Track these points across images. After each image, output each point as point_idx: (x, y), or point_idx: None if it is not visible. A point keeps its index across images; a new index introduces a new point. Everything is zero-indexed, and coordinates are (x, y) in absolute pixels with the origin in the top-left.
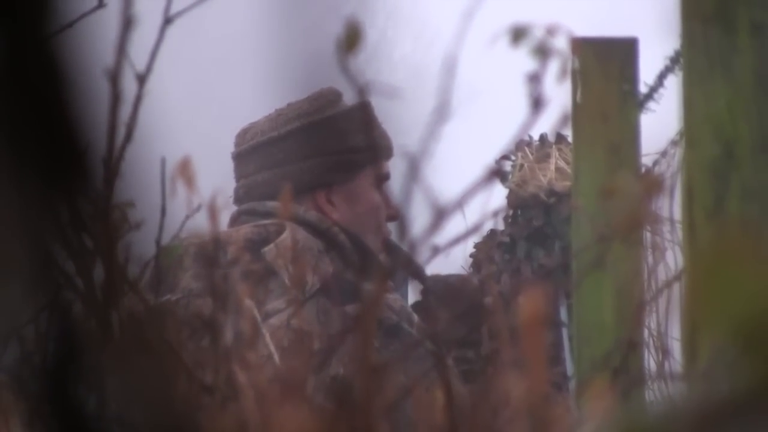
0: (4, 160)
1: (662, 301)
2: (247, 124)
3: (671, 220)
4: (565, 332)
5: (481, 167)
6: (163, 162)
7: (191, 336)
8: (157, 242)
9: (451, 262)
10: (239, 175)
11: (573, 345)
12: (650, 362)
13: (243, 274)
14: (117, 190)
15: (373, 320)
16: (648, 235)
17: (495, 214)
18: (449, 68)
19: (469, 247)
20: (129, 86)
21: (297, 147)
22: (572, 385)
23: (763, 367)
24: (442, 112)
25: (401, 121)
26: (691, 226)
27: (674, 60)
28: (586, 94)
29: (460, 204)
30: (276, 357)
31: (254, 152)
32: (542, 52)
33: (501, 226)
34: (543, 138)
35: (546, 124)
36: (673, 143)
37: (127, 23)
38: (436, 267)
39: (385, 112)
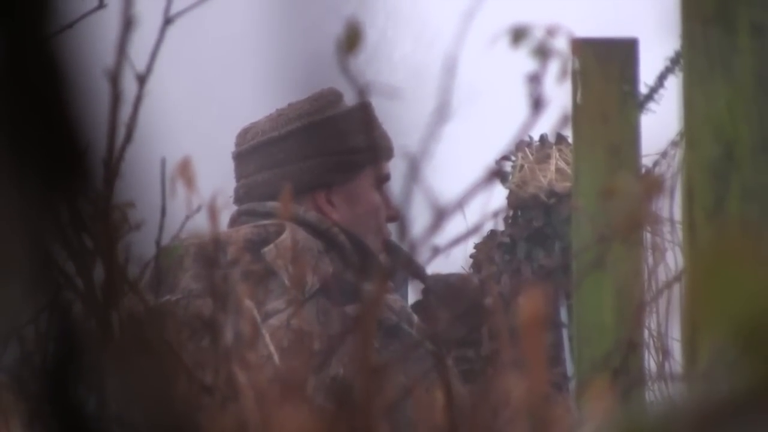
0: (4, 160)
1: (662, 302)
2: (247, 124)
3: (671, 221)
4: (565, 333)
5: (481, 168)
6: (163, 162)
7: (191, 336)
8: (157, 243)
9: (452, 262)
10: (239, 175)
11: (573, 345)
12: (650, 363)
13: (243, 274)
14: (117, 190)
15: (373, 321)
16: (648, 236)
17: (495, 214)
18: (449, 69)
19: (469, 247)
20: (129, 86)
21: (297, 147)
22: (572, 385)
23: (763, 367)
24: (442, 113)
25: (401, 122)
26: (691, 226)
27: (674, 61)
28: (587, 94)
29: (460, 204)
30: (276, 357)
31: (254, 152)
32: (542, 52)
33: (501, 227)
34: (543, 139)
35: (546, 125)
36: (674, 144)
37: (128, 24)
38: (436, 267)
39: (385, 112)
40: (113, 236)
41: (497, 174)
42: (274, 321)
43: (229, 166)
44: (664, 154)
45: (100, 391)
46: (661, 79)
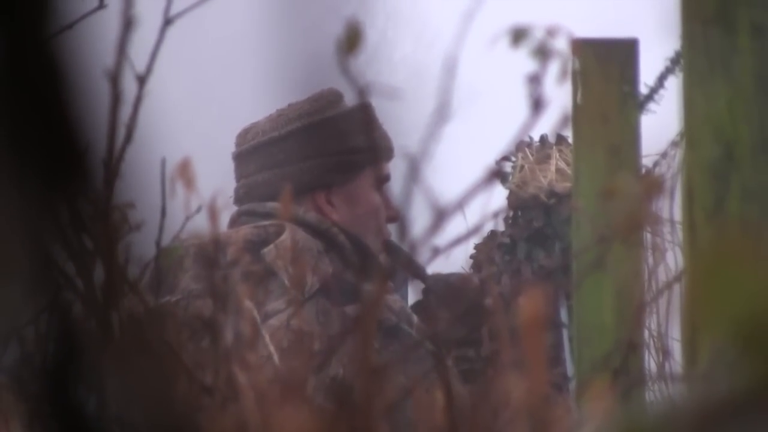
0: (5, 161)
1: (662, 302)
2: (247, 125)
3: (671, 221)
4: (565, 333)
5: (481, 168)
6: (163, 163)
7: (191, 337)
8: (157, 243)
9: (452, 263)
10: (239, 176)
11: (573, 346)
12: (650, 363)
13: (243, 275)
14: (117, 190)
15: (373, 321)
16: (648, 236)
17: (495, 215)
18: (449, 69)
19: (469, 248)
20: (129, 87)
21: (297, 147)
22: (572, 385)
23: (763, 367)
24: (442, 113)
25: (401, 122)
26: (691, 227)
27: (674, 61)
28: (587, 95)
29: (460, 205)
30: (276, 358)
31: (254, 152)
32: (542, 53)
33: (501, 227)
34: (543, 139)
35: (546, 125)
36: (674, 144)
37: (128, 24)
38: (436, 268)
39: (385, 113)
40: (113, 237)
41: (497, 174)
42: (274, 321)
43: (229, 166)
44: (664, 155)
45: (100, 391)
46: (661, 79)
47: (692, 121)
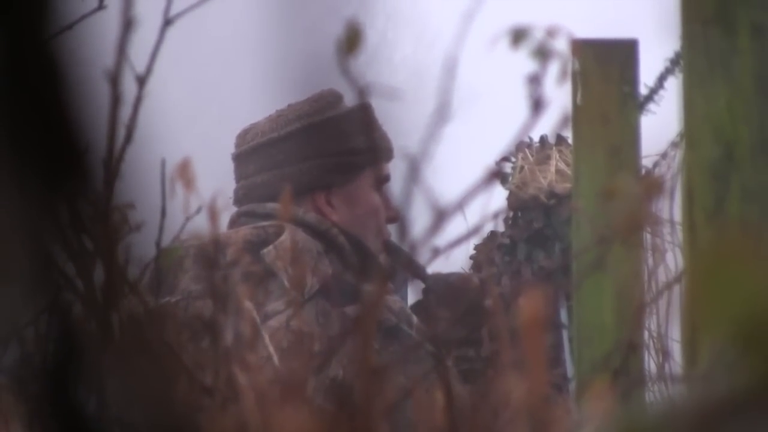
0: (5, 162)
1: (662, 303)
2: (247, 125)
3: (671, 222)
4: (565, 334)
5: (481, 169)
6: (163, 163)
7: (191, 337)
8: (157, 244)
9: (452, 263)
10: (239, 177)
11: (573, 346)
12: (650, 364)
13: (242, 275)
14: (117, 191)
15: (372, 322)
16: (648, 237)
17: (495, 215)
18: (449, 70)
19: (469, 248)
20: (129, 87)
21: (297, 148)
22: (572, 386)
23: (763, 367)
24: (442, 114)
25: (401, 123)
26: (691, 227)
27: (674, 62)
28: (587, 95)
29: (460, 206)
30: (276, 358)
31: (254, 153)
32: (542, 53)
33: (501, 228)
34: (543, 140)
35: (546, 126)
36: (674, 145)
37: (128, 24)
38: (436, 268)
39: (385, 113)
40: (113, 237)
41: (497, 175)
42: (273, 322)
43: (229, 166)
44: (664, 155)
45: (100, 392)
46: (661, 80)
47: (692, 122)
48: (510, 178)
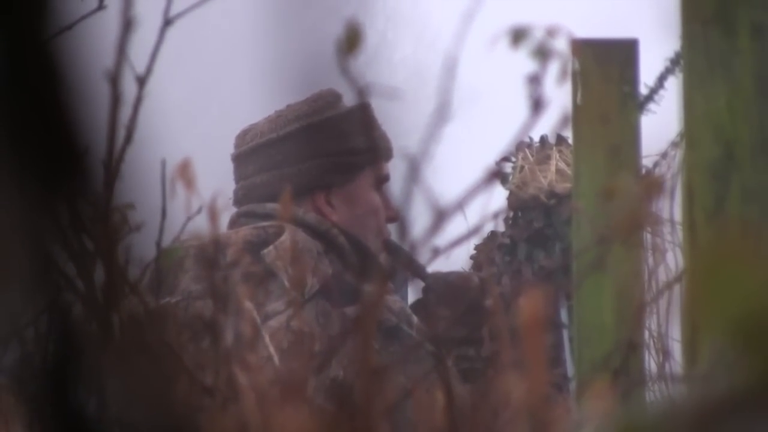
0: (5, 162)
1: (663, 303)
2: (246, 126)
3: (671, 222)
4: (565, 334)
5: (481, 169)
6: (163, 164)
7: (191, 338)
8: (158, 244)
9: (452, 263)
10: (239, 177)
11: (573, 346)
12: (651, 363)
13: (243, 276)
14: (117, 192)
15: (372, 322)
16: (648, 237)
17: (495, 215)
18: (449, 70)
19: (469, 248)
20: (129, 88)
21: (296, 148)
22: (572, 386)
23: (763, 367)
24: (442, 114)
25: (401, 123)
26: (691, 227)
27: (674, 61)
28: (587, 95)
29: (460, 205)
30: (276, 359)
31: (253, 154)
32: (542, 53)
33: (501, 228)
34: (543, 140)
35: (546, 126)
36: (674, 145)
37: (127, 25)
38: (436, 268)
39: (385, 113)
40: (113, 238)
41: (497, 175)
42: (274, 322)
43: (229, 167)
44: (664, 155)
45: (100, 392)
46: (661, 79)
47: (692, 122)
48: (510, 178)
